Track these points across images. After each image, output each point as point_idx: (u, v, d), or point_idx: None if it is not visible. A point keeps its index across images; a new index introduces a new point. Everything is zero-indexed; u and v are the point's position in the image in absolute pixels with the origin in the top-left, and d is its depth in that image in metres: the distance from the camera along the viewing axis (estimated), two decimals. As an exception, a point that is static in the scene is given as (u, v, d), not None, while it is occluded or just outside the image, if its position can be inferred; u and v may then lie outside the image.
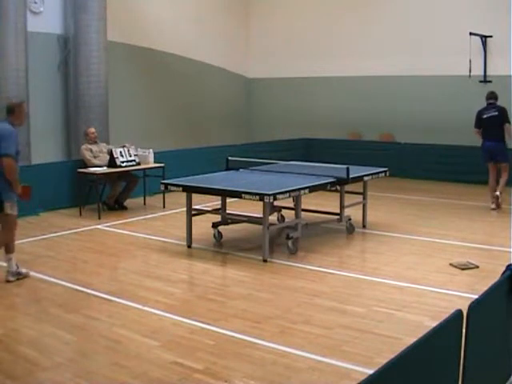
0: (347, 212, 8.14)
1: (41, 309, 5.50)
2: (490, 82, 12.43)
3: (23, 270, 6.30)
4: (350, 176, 7.64)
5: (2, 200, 5.95)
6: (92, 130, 9.93)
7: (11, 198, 6.01)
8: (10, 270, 6.20)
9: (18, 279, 6.19)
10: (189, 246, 7.51)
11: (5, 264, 6.20)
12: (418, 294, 5.77)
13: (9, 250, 6.21)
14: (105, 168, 9.54)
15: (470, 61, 12.13)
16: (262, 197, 6.65)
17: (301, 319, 5.13)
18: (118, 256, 7.25)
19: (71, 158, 11.36)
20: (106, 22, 11.20)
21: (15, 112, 6.13)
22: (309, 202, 8.28)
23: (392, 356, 2.39)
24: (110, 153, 9.62)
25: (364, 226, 8.46)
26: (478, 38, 12.26)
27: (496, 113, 9.74)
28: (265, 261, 6.83)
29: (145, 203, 10.29)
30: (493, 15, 12.00)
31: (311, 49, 14.81)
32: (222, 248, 7.61)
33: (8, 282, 6.12)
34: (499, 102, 10.01)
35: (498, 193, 9.51)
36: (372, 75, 13.92)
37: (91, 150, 9.78)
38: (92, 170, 9.49)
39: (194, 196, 7.57)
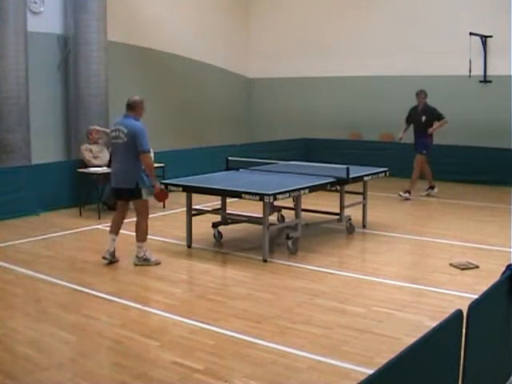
0: (347, 212, 8.14)
1: (40, 309, 5.50)
2: (489, 82, 12.44)
3: (153, 258, 6.78)
4: (350, 176, 7.64)
5: (139, 188, 6.54)
6: (95, 130, 9.92)
7: (146, 186, 6.62)
8: (137, 255, 6.73)
9: (142, 265, 6.70)
10: (189, 246, 7.51)
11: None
12: (418, 293, 5.78)
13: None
14: (105, 168, 9.54)
15: (470, 61, 12.12)
16: (261, 197, 6.65)
17: (301, 319, 5.13)
18: (118, 256, 7.25)
19: (71, 158, 11.37)
20: (105, 22, 11.21)
21: (136, 108, 6.69)
22: (309, 202, 8.28)
23: (392, 356, 2.39)
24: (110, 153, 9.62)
25: (364, 226, 8.46)
26: (478, 38, 12.26)
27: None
28: (265, 261, 6.83)
29: (145, 203, 10.27)
30: (493, 15, 12.00)
31: (311, 49, 14.80)
32: (222, 248, 7.61)
33: (135, 265, 6.70)
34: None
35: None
36: (372, 75, 13.92)
37: (91, 151, 9.78)
38: (92, 169, 9.49)
39: (194, 196, 7.58)
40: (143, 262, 6.71)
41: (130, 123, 6.58)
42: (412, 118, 10.89)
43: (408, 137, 13.23)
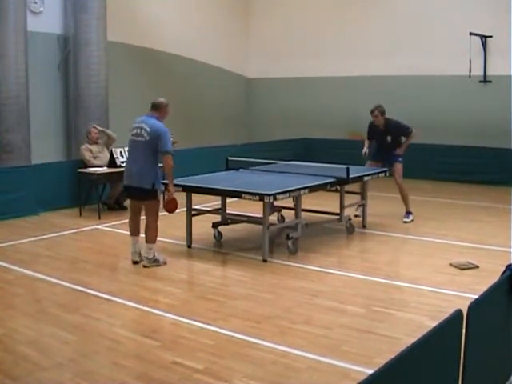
0: (347, 212, 8.14)
1: (40, 309, 5.50)
2: (489, 82, 12.43)
3: (161, 258, 6.79)
4: (350, 176, 7.64)
5: (155, 189, 6.56)
6: (95, 130, 9.93)
7: (160, 186, 6.68)
8: (147, 257, 6.68)
9: (152, 266, 6.68)
10: (189, 246, 7.51)
11: None
12: (417, 293, 5.78)
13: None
14: (105, 168, 9.55)
15: (470, 61, 12.12)
16: (262, 197, 6.65)
17: (301, 319, 5.13)
18: (118, 256, 7.25)
19: (71, 158, 11.37)
20: (105, 22, 11.20)
21: (161, 110, 6.66)
22: (309, 202, 8.28)
23: (392, 356, 2.39)
24: (111, 153, 9.62)
25: (364, 226, 8.46)
26: (477, 38, 12.26)
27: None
28: (265, 261, 6.83)
29: (145, 203, 10.27)
30: (493, 15, 12.00)
31: (311, 49, 14.80)
32: (222, 248, 7.61)
33: (144, 267, 6.65)
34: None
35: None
36: (372, 75, 13.92)
37: (91, 151, 9.78)
38: (92, 170, 9.49)
39: (194, 196, 7.57)
40: (153, 263, 6.68)
41: (153, 122, 6.55)
42: (374, 136, 9.05)
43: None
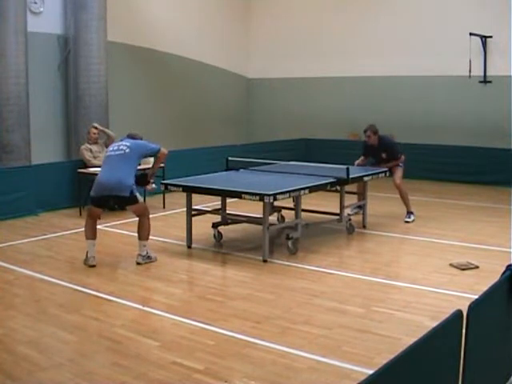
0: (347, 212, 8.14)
1: (41, 309, 5.50)
2: (489, 82, 12.44)
3: (153, 255, 6.92)
4: (350, 176, 7.64)
5: (134, 195, 6.76)
6: (94, 129, 9.94)
7: (137, 189, 6.92)
8: (141, 254, 6.82)
9: (146, 263, 6.80)
10: (189, 246, 7.51)
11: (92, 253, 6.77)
12: (417, 294, 5.77)
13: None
14: (105, 168, 9.54)
15: (470, 61, 12.13)
16: (262, 197, 6.65)
17: (301, 319, 5.13)
18: (118, 256, 7.26)
19: (71, 158, 11.37)
20: (106, 22, 11.21)
21: (136, 139, 7.15)
22: (309, 202, 8.28)
23: (392, 356, 2.39)
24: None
25: (364, 226, 8.45)
26: (477, 38, 12.26)
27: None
28: (265, 261, 6.83)
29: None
30: (493, 15, 12.00)
31: (311, 49, 14.80)
32: (222, 248, 7.61)
33: (138, 264, 6.76)
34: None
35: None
36: (372, 75, 13.92)
37: (91, 150, 9.78)
38: (92, 170, 9.48)
39: (194, 196, 7.58)
40: (147, 259, 6.81)
41: (132, 140, 7.04)
42: (370, 154, 9.14)
43: (407, 138, 13.21)
